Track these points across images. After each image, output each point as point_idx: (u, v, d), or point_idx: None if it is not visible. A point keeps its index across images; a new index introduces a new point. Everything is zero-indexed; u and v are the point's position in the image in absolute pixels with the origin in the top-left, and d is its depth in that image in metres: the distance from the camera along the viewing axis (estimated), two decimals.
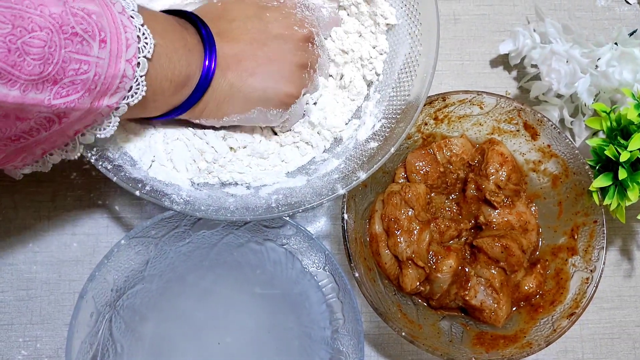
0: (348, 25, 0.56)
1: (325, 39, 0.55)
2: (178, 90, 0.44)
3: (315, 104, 0.55)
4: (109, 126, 0.41)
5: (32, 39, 0.32)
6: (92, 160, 0.45)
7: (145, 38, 0.39)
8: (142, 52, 0.39)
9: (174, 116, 0.47)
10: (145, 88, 0.40)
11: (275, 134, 0.55)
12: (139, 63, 0.39)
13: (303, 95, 0.51)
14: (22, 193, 0.61)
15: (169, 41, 0.42)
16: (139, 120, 0.50)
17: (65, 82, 0.35)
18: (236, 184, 0.51)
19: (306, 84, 0.51)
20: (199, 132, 0.52)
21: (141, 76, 0.40)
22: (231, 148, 0.52)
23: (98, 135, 0.41)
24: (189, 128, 0.52)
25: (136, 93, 0.40)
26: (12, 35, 0.31)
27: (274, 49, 0.48)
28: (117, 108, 0.40)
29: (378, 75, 0.55)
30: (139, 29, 0.39)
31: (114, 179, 0.45)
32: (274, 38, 0.48)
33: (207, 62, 0.45)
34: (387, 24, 0.54)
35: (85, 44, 0.35)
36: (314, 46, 0.51)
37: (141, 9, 0.41)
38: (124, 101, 0.40)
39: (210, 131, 0.52)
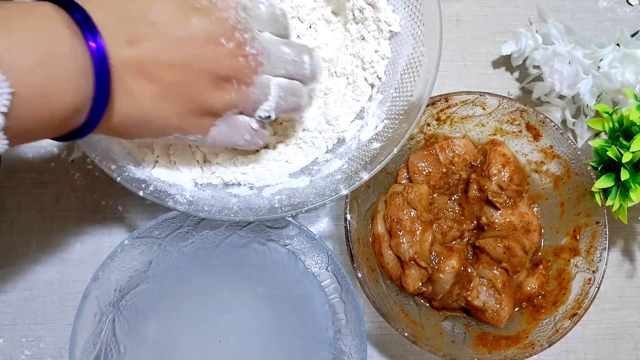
0: (351, 31, 0.56)
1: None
2: (66, 122, 0.37)
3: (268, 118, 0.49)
4: None
5: None
6: (96, 161, 0.45)
7: None
8: None
9: (71, 140, 0.40)
10: (6, 142, 0.33)
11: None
12: None
13: (236, 114, 0.44)
14: (26, 194, 0.62)
15: (43, 76, 0.34)
16: None
17: None
18: (239, 184, 0.51)
19: (233, 103, 0.43)
20: None
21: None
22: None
23: None
24: None
25: None
26: None
27: (190, 69, 0.40)
28: None
29: (380, 78, 0.56)
30: None
31: (118, 179, 0.45)
32: (197, 52, 0.40)
33: (98, 83, 0.37)
34: (390, 31, 0.54)
35: None
36: (246, 58, 0.42)
37: (10, 12, 0.33)
38: None
39: None
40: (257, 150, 0.51)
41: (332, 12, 0.58)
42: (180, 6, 0.40)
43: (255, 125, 0.46)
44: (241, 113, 0.44)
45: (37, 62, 0.33)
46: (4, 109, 0.32)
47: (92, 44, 0.36)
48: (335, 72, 0.57)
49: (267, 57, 0.43)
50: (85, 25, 0.36)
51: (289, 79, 0.45)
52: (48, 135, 0.37)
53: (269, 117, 0.45)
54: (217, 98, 0.42)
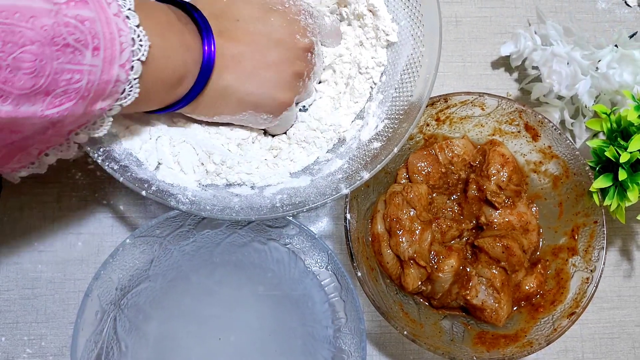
0: (350, 35, 0.57)
1: (323, 45, 0.56)
2: (173, 89, 0.44)
3: (305, 108, 0.56)
4: (102, 125, 0.41)
5: (23, 54, 0.32)
6: (99, 161, 0.45)
7: (140, 40, 0.38)
8: (137, 55, 0.38)
9: (167, 111, 0.47)
10: (138, 90, 0.40)
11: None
12: (132, 66, 0.38)
13: (296, 103, 0.52)
14: (28, 194, 0.62)
15: (166, 40, 0.42)
16: (144, 122, 0.51)
17: (58, 93, 0.35)
18: (241, 184, 0.52)
19: (300, 92, 0.51)
20: (205, 133, 0.52)
21: (135, 79, 0.39)
22: (239, 144, 0.53)
23: (92, 135, 0.41)
24: (195, 129, 0.52)
25: (129, 95, 0.39)
26: (2, 53, 0.31)
27: (275, 55, 0.48)
28: (110, 109, 0.40)
29: (375, 84, 0.56)
30: (134, 30, 0.38)
31: (121, 179, 0.45)
32: (275, 44, 0.48)
33: (205, 62, 0.45)
34: (388, 41, 0.55)
35: (78, 53, 0.35)
36: (312, 55, 0.51)
37: (139, 4, 0.39)
38: (117, 103, 0.39)
39: (218, 132, 0.52)
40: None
41: (336, 15, 0.58)
42: (260, 7, 0.48)
43: (296, 114, 0.55)
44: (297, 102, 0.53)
45: (164, 31, 0.42)
46: (143, 58, 0.39)
47: (206, 48, 0.45)
48: (334, 72, 0.57)
49: (319, 60, 0.53)
50: (204, 25, 0.45)
51: None
52: (157, 100, 0.44)
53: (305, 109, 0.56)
54: (291, 80, 0.49)
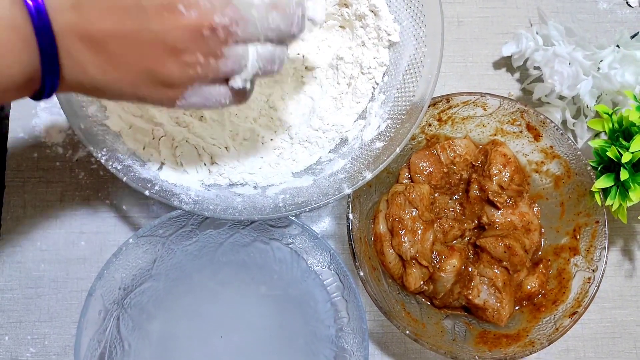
0: (345, 37, 0.57)
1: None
2: (18, 91, 0.36)
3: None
4: None
5: None
6: (102, 161, 0.46)
7: None
8: None
9: (44, 98, 0.37)
10: None
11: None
12: None
13: (207, 84, 0.38)
14: (31, 193, 0.62)
15: None
16: (147, 122, 0.51)
17: None
18: (244, 184, 0.52)
19: (198, 76, 0.37)
20: (209, 133, 0.52)
21: None
22: (242, 144, 0.53)
23: None
24: (198, 129, 0.52)
25: None
26: None
27: (138, 39, 0.35)
28: None
29: (377, 84, 0.56)
30: None
31: (124, 179, 0.45)
32: (143, 26, 0.34)
33: (42, 59, 0.34)
34: (389, 41, 0.55)
35: None
36: (214, 30, 0.35)
37: None
38: None
39: (221, 132, 0.53)
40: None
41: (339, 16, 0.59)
42: None
43: (230, 92, 0.40)
44: (214, 82, 0.38)
45: None
46: None
47: (30, 3, 0.32)
48: (337, 72, 0.57)
49: (245, 25, 0.36)
50: None
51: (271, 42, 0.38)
52: (5, 99, 0.36)
53: (244, 87, 0.39)
54: (175, 71, 0.36)
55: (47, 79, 0.35)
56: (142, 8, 0.34)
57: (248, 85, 0.39)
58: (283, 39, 0.39)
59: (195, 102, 0.39)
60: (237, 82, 0.38)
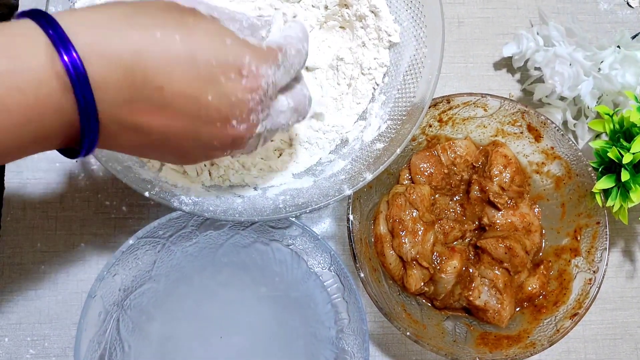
0: (345, 37, 0.57)
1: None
2: (51, 142, 0.34)
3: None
4: None
5: None
6: (102, 162, 0.46)
7: None
8: None
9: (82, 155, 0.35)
10: None
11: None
12: None
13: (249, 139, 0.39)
14: (31, 194, 0.62)
15: (8, 87, 0.29)
16: None
17: None
18: (244, 185, 0.52)
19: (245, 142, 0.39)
20: None
21: None
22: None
23: None
24: None
25: None
26: None
27: (187, 141, 0.36)
28: None
29: (378, 85, 0.56)
30: None
31: (124, 180, 0.45)
32: (196, 131, 0.36)
33: (72, 75, 0.31)
34: (390, 41, 0.55)
35: None
36: (251, 133, 0.37)
37: None
38: None
39: None
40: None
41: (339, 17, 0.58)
42: (200, 76, 0.33)
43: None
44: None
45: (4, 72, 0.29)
46: None
47: (66, 58, 0.30)
48: (337, 73, 0.57)
49: (273, 132, 0.41)
50: (59, 40, 0.30)
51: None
52: (33, 150, 0.34)
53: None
54: (202, 160, 0.40)
55: (86, 138, 0.33)
56: (198, 116, 0.35)
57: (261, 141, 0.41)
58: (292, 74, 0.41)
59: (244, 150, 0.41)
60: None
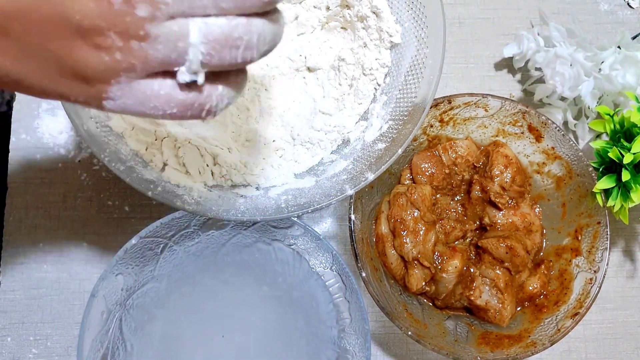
0: (346, 38, 0.57)
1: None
2: None
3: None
4: None
5: None
6: (105, 162, 0.46)
7: None
8: None
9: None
10: None
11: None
12: None
13: (141, 78, 0.28)
14: (34, 194, 0.62)
15: None
16: (150, 123, 0.51)
17: None
18: (246, 185, 0.52)
19: (120, 66, 0.27)
20: (210, 135, 0.52)
21: None
22: (244, 145, 0.53)
23: None
24: (200, 130, 0.52)
25: None
26: None
27: (39, 15, 0.27)
28: None
29: (379, 85, 0.56)
30: None
31: (127, 180, 0.45)
32: (49, 2, 0.27)
33: None
34: (391, 42, 0.55)
35: None
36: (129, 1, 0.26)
37: None
38: None
39: (223, 133, 0.53)
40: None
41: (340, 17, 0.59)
42: None
43: (177, 91, 0.29)
44: (149, 77, 0.29)
45: None
46: None
47: None
48: (339, 73, 0.57)
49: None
50: None
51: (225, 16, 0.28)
52: None
53: (195, 81, 0.29)
54: (90, 58, 0.28)
55: None
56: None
57: (201, 79, 0.29)
58: (246, 8, 0.28)
59: (128, 105, 0.30)
60: (182, 75, 0.28)
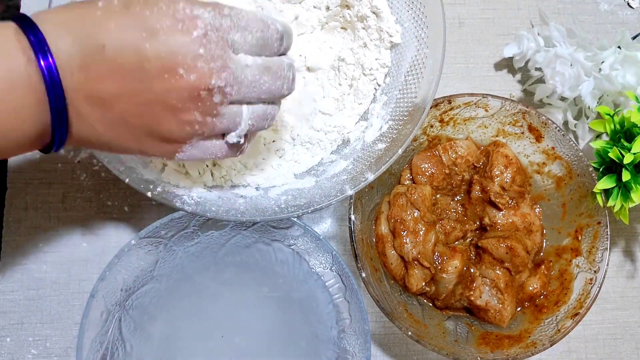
0: (346, 38, 0.57)
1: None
2: (29, 145, 0.38)
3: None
4: None
5: None
6: (105, 162, 0.46)
7: None
8: None
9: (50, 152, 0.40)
10: None
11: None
12: None
13: (204, 139, 0.40)
14: (33, 195, 0.62)
15: None
16: None
17: None
18: (246, 185, 0.52)
19: (196, 133, 0.39)
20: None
21: None
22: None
23: None
24: None
25: None
26: None
27: (141, 98, 0.36)
28: None
29: (379, 85, 0.56)
30: None
31: (127, 180, 0.45)
32: (146, 87, 0.36)
33: (52, 117, 0.36)
34: (391, 42, 0.55)
35: None
36: (210, 92, 0.37)
37: None
38: None
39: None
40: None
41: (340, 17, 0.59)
42: (137, 26, 0.35)
43: (227, 146, 0.42)
44: (211, 137, 0.41)
45: None
46: None
47: (43, 63, 0.34)
48: (339, 73, 0.57)
49: (239, 87, 0.38)
50: (38, 47, 0.34)
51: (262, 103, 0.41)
52: (17, 152, 0.38)
53: (239, 142, 0.41)
54: (175, 129, 0.38)
55: (56, 134, 0.37)
56: (145, 70, 0.35)
57: (242, 140, 0.41)
58: (274, 99, 0.42)
59: (193, 155, 0.41)
60: (232, 138, 0.41)
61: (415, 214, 0.57)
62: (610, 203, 0.56)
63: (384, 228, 0.58)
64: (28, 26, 0.34)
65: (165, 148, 0.40)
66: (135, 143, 0.39)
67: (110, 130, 0.38)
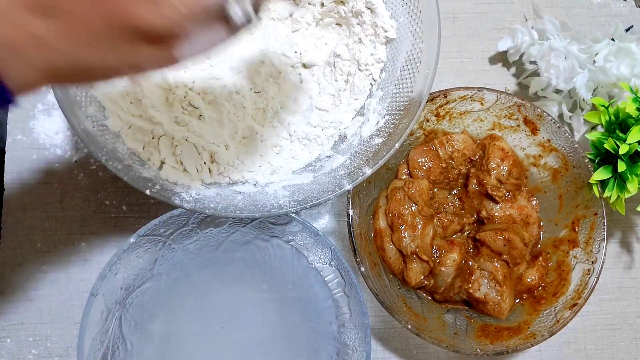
0: (342, 34, 0.57)
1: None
2: None
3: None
4: None
5: None
6: (103, 161, 0.46)
7: None
8: None
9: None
10: None
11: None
12: None
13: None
14: (31, 194, 0.62)
15: None
16: (146, 121, 0.51)
17: None
18: (244, 182, 0.52)
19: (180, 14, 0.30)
20: (207, 133, 0.52)
21: None
22: (243, 139, 0.53)
23: None
24: (197, 127, 0.52)
25: None
26: None
27: None
28: None
29: (375, 81, 0.57)
30: None
31: (125, 178, 0.45)
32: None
33: None
34: (386, 37, 0.55)
35: None
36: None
37: None
38: None
39: (220, 131, 0.53)
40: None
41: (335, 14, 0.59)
42: None
43: (232, 26, 0.33)
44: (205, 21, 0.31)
45: None
46: None
47: None
48: (335, 69, 0.57)
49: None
50: None
51: None
52: None
53: (248, 15, 0.32)
54: (152, 15, 0.29)
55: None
56: None
57: (250, 11, 0.32)
58: None
59: (194, 50, 0.32)
60: (235, 12, 0.31)
61: (413, 208, 0.57)
62: (606, 194, 0.56)
63: (382, 222, 0.58)
64: None
65: (154, 52, 0.31)
66: (115, 53, 0.31)
67: (72, 41, 0.30)
